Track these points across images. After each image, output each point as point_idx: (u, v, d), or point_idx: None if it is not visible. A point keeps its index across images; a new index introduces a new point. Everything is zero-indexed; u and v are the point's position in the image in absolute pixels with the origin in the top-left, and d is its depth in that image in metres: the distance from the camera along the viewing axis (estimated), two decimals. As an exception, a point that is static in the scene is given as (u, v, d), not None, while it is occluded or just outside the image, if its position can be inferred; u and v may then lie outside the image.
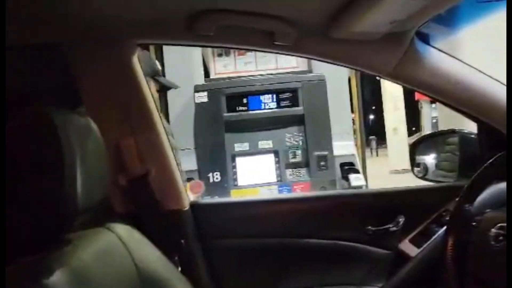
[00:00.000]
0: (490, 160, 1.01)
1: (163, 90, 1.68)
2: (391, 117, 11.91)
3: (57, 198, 0.67)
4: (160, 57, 2.82)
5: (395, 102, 11.60)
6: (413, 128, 12.16)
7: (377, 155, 18.54)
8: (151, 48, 2.81)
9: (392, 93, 11.41)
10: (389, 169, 10.71)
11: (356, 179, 2.63)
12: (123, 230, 0.94)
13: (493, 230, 0.89)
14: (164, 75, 2.92)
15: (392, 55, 1.10)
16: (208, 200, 1.35)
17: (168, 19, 1.00)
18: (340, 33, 1.02)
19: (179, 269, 1.12)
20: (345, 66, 1.17)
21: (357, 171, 2.81)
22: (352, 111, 3.56)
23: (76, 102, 1.06)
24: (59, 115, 0.70)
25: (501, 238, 0.86)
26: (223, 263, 1.29)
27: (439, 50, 1.20)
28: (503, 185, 1.17)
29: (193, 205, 1.26)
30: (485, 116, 1.21)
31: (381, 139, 16.73)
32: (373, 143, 19.34)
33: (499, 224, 0.89)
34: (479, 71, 1.20)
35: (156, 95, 1.64)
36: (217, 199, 1.37)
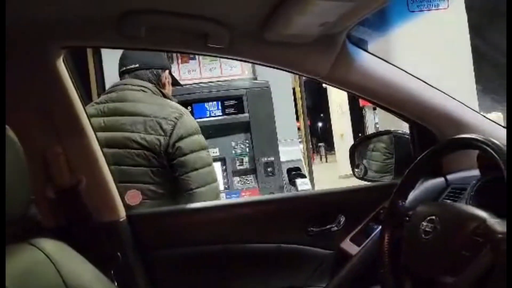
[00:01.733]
0: (419, 158, 1.06)
1: (174, 85, 1.67)
2: (338, 124, 12.31)
3: None
4: (98, 63, 2.71)
5: (341, 109, 12.02)
6: (360, 134, 12.67)
7: (326, 161, 19.05)
8: (88, 52, 2.69)
9: (338, 101, 11.81)
10: (338, 174, 11.02)
11: (302, 184, 2.66)
12: (50, 245, 0.88)
13: (423, 223, 0.93)
14: (103, 83, 2.82)
15: (326, 58, 1.12)
16: (146, 209, 1.29)
17: (94, 21, 0.96)
18: (273, 35, 1.03)
19: (115, 284, 1.07)
20: (280, 69, 1.17)
21: (303, 176, 2.85)
22: (298, 119, 3.63)
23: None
24: None
25: (429, 230, 0.90)
26: (165, 274, 1.24)
27: (371, 53, 1.25)
28: (433, 181, 1.24)
29: (130, 216, 1.20)
30: (416, 116, 1.27)
31: (330, 146, 17.25)
32: (322, 150, 19.89)
33: (428, 217, 0.92)
34: (409, 73, 1.25)
35: (171, 88, 1.63)
36: (156, 208, 1.32)
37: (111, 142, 1.33)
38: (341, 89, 1.24)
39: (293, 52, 1.09)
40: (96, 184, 1.12)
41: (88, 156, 1.11)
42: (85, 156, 1.11)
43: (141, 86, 1.48)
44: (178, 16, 0.96)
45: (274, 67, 1.16)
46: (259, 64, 1.16)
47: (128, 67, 1.54)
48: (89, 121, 1.13)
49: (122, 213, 1.18)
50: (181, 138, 1.37)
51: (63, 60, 1.05)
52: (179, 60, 2.98)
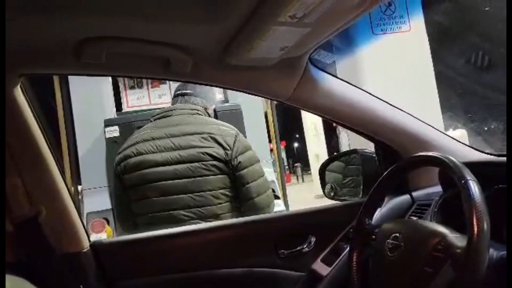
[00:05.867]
0: (382, 176, 1.07)
1: None
2: (313, 144, 12.42)
3: None
4: (65, 89, 2.67)
5: (316, 130, 12.16)
6: (335, 153, 12.82)
7: (303, 181, 19.10)
8: (55, 79, 2.65)
9: (312, 121, 11.95)
10: (315, 194, 11.05)
11: (276, 205, 2.65)
12: (9, 282, 0.83)
13: (388, 241, 0.93)
14: (71, 110, 2.77)
15: (289, 80, 1.14)
16: (110, 238, 1.25)
17: (52, 48, 0.94)
18: (236, 59, 1.03)
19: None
20: (244, 92, 1.18)
21: (277, 197, 2.84)
22: (270, 141, 3.65)
23: None
24: None
25: (393, 247, 0.90)
26: None
27: (334, 75, 1.28)
28: (399, 198, 1.26)
29: (94, 246, 1.16)
30: (380, 135, 1.30)
31: (307, 166, 17.36)
32: (299, 170, 19.98)
33: (393, 235, 0.93)
34: (371, 94, 1.29)
35: None
36: (121, 237, 1.28)
37: (186, 158, 1.57)
38: (305, 110, 1.26)
39: (256, 75, 1.11)
40: (57, 215, 1.09)
41: (48, 186, 1.08)
42: (45, 186, 1.07)
43: (195, 110, 1.71)
44: (139, 42, 0.95)
45: (238, 91, 1.17)
46: (223, 88, 1.16)
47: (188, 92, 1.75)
48: (50, 150, 1.10)
49: (86, 243, 1.14)
50: (240, 153, 1.61)
51: (21, 88, 1.02)
52: (150, 85, 2.98)
